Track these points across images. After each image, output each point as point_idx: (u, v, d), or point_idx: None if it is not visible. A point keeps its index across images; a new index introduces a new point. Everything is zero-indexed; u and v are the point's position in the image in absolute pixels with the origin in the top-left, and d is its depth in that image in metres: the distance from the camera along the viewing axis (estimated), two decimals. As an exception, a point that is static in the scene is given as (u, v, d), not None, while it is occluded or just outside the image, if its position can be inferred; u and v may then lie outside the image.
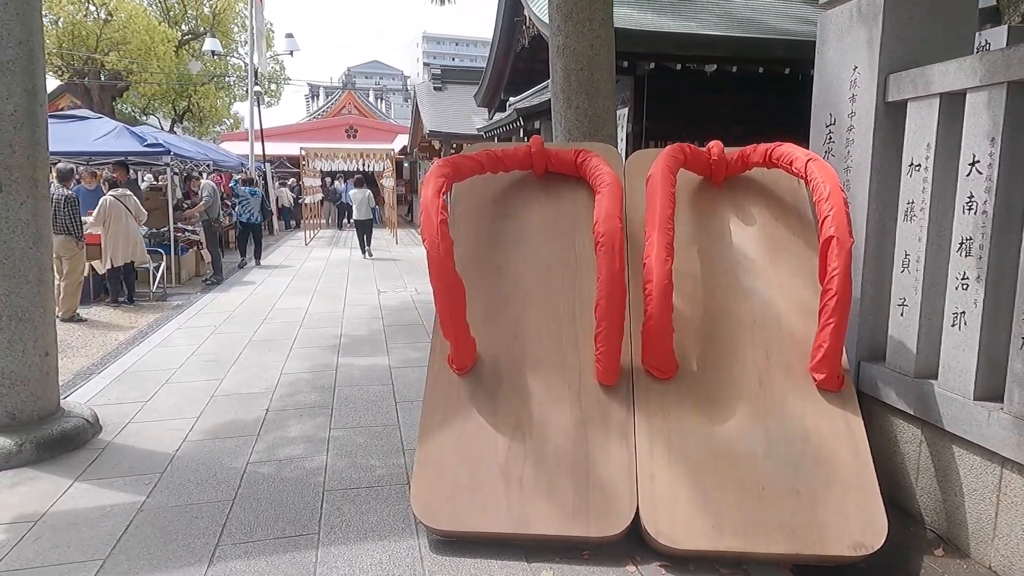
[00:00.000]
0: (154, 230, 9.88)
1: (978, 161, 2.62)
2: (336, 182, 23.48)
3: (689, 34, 7.32)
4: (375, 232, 14.92)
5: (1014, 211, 2.55)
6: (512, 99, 12.14)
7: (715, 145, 3.53)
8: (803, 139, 3.61)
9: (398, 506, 3.12)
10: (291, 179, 24.12)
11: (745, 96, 7.75)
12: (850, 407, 2.92)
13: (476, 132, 15.82)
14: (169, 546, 2.79)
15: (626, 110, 8.03)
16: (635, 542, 2.73)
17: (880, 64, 3.09)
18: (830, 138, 3.46)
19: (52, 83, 21.38)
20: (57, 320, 4.42)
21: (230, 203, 13.76)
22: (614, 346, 2.94)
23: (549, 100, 5.29)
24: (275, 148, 25.11)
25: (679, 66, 7.35)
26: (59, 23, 20.41)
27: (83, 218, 7.62)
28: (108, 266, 8.24)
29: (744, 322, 3.16)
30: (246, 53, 21.95)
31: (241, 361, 5.67)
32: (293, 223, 22.04)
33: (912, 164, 2.98)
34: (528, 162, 3.64)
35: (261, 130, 20.48)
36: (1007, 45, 3.60)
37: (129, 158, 9.78)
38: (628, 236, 3.29)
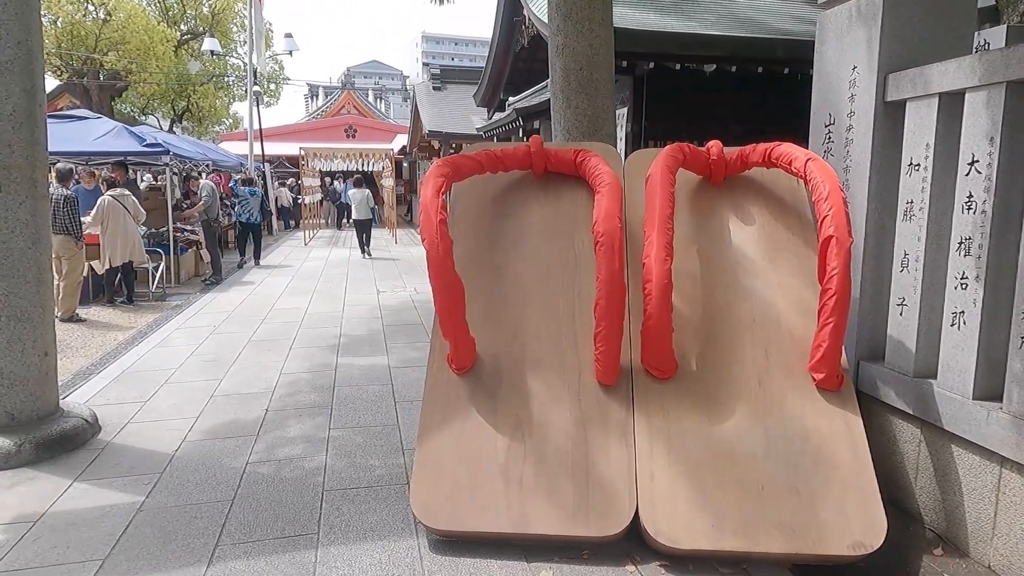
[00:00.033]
0: (153, 230, 9.88)
1: (977, 161, 2.63)
2: (335, 182, 23.48)
3: (688, 34, 7.33)
4: (374, 232, 14.92)
5: (1013, 211, 2.56)
6: (511, 99, 12.14)
7: (714, 145, 3.53)
8: (802, 139, 3.61)
9: (397, 506, 3.12)
10: (290, 179, 24.12)
11: (744, 96, 7.75)
12: (849, 406, 2.93)
13: (475, 132, 15.82)
14: (168, 546, 2.79)
15: (625, 110, 8.03)
16: (635, 542, 2.73)
17: (879, 64, 3.09)
18: (829, 138, 3.46)
19: (51, 83, 21.37)
20: (56, 320, 4.42)
21: (229, 203, 13.76)
22: (613, 346, 2.94)
23: (548, 100, 5.29)
24: (274, 148, 25.11)
25: (678, 66, 7.35)
26: (58, 23, 20.40)
27: (82, 218, 7.61)
28: (106, 266, 8.24)
29: (743, 322, 3.16)
30: (245, 53, 21.96)
31: (240, 361, 5.66)
32: (292, 223, 22.04)
33: (911, 164, 2.98)
34: (527, 162, 3.64)
35: (260, 130, 20.48)
36: (1006, 45, 3.60)
37: (128, 158, 9.78)
38: (627, 236, 3.29)
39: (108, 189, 8.53)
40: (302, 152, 17.96)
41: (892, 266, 3.12)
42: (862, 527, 2.60)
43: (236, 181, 13.69)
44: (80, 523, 2.99)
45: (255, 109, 19.56)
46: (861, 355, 3.29)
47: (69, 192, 7.37)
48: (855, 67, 3.24)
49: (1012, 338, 2.51)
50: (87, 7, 20.86)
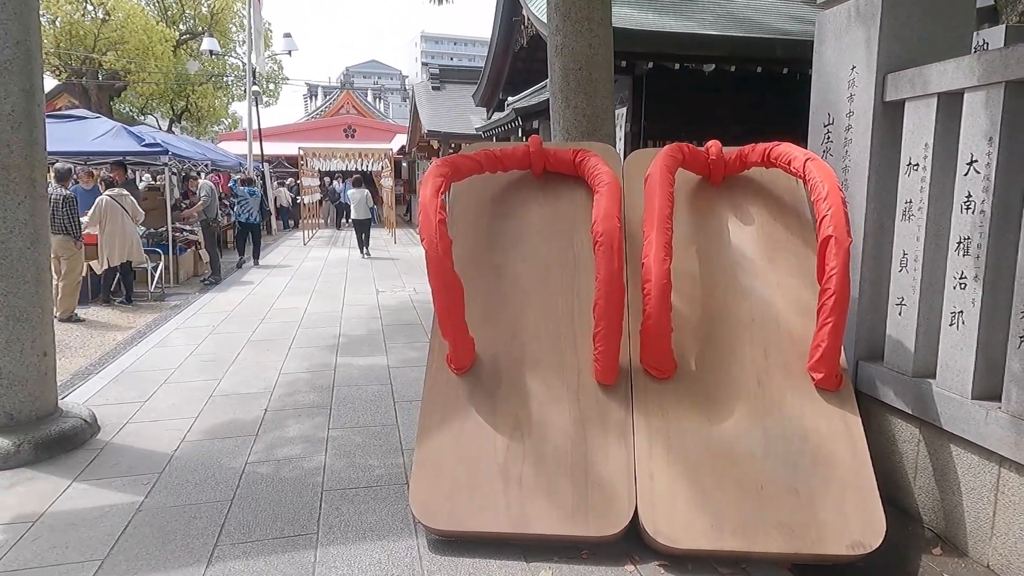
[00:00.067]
0: (152, 230, 9.87)
1: (976, 161, 2.63)
2: (334, 182, 23.47)
3: (687, 34, 7.33)
4: (373, 232, 14.92)
5: (1012, 210, 2.56)
6: (510, 99, 12.14)
7: (713, 145, 3.53)
8: (801, 139, 3.62)
9: (397, 506, 3.12)
10: (289, 179, 24.11)
11: (743, 96, 7.76)
12: (848, 406, 2.93)
13: (474, 132, 15.82)
14: (168, 546, 2.79)
15: (624, 109, 8.03)
16: (634, 541, 2.74)
17: (878, 64, 3.09)
18: (828, 138, 3.47)
19: (50, 83, 21.33)
20: (55, 320, 4.42)
21: (228, 203, 13.75)
22: (613, 346, 2.94)
23: (547, 100, 5.29)
24: (273, 148, 25.09)
25: (677, 66, 7.35)
26: (57, 22, 20.38)
27: (81, 218, 7.60)
28: (105, 266, 8.23)
29: (743, 321, 3.17)
30: (244, 53, 21.93)
31: (239, 361, 5.66)
32: (291, 223, 22.03)
33: (910, 164, 2.98)
34: (527, 162, 3.64)
35: (259, 130, 20.47)
36: (1005, 45, 3.61)
37: (127, 158, 9.77)
38: (627, 236, 3.29)
39: (106, 189, 8.52)
40: (301, 152, 17.96)
41: (891, 266, 3.12)
42: (861, 527, 2.60)
43: (235, 181, 13.67)
44: (79, 523, 2.98)
45: (254, 109, 19.55)
46: (860, 355, 3.30)
47: (68, 192, 7.37)
48: (854, 67, 3.25)
49: (1011, 338, 2.51)
50: (86, 7, 20.84)
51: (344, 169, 18.93)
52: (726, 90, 7.71)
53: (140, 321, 7.55)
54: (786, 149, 3.27)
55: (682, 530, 2.62)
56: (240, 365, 5.53)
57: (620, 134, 7.96)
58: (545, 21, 5.44)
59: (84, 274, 7.91)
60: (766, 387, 2.99)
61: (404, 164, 27.34)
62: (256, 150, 19.30)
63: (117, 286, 8.65)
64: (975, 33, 3.55)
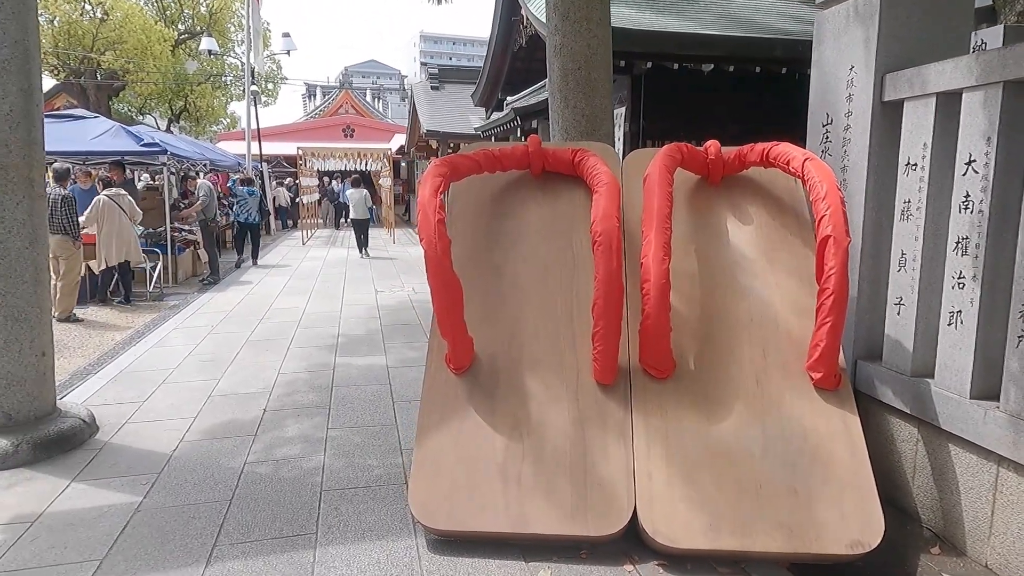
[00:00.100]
0: (151, 230, 9.86)
1: (974, 160, 2.63)
2: (333, 182, 23.47)
3: (686, 33, 7.33)
4: (372, 232, 14.92)
5: (1010, 210, 2.56)
6: (509, 98, 12.14)
7: (712, 144, 3.53)
8: (800, 138, 3.62)
9: (396, 506, 3.12)
10: (288, 179, 24.09)
11: (742, 96, 7.76)
12: (847, 406, 2.93)
13: (473, 131, 15.82)
14: (166, 546, 2.79)
15: (623, 109, 8.03)
16: (633, 541, 2.74)
17: (876, 64, 3.10)
18: (827, 137, 3.47)
19: (48, 82, 21.30)
20: (53, 320, 4.41)
21: (227, 203, 13.74)
22: (612, 345, 2.94)
23: (546, 99, 5.29)
24: (272, 148, 25.08)
25: (676, 65, 7.36)
26: (55, 22, 20.35)
27: (79, 218, 7.60)
28: (102, 266, 8.22)
29: (741, 321, 3.17)
30: (243, 52, 21.90)
31: (238, 361, 5.66)
32: (290, 223, 22.01)
33: (908, 163, 2.98)
34: (525, 161, 3.64)
35: (258, 130, 20.46)
36: (1003, 45, 3.61)
37: (125, 158, 9.76)
38: (625, 235, 3.29)
39: (104, 189, 8.51)
40: (300, 152, 17.95)
41: (889, 266, 3.12)
42: (860, 526, 2.60)
43: (234, 181, 13.65)
44: (78, 523, 2.98)
45: (253, 109, 19.54)
46: (859, 354, 3.30)
47: (66, 192, 7.36)
48: (852, 67, 3.25)
49: (1009, 337, 2.51)
50: (84, 6, 20.82)
51: (343, 169, 18.93)
52: (725, 90, 7.71)
53: (139, 321, 7.54)
54: (785, 149, 3.27)
55: (681, 530, 2.62)
56: (239, 365, 5.53)
57: (619, 134, 7.96)
58: (544, 21, 5.44)
59: (83, 274, 7.91)
60: (765, 387, 2.99)
61: (403, 164, 27.33)
62: (255, 150, 19.29)
63: (116, 286, 8.64)
64: (973, 33, 3.55)
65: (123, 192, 8.51)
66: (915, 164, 2.94)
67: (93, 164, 10.46)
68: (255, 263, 12.40)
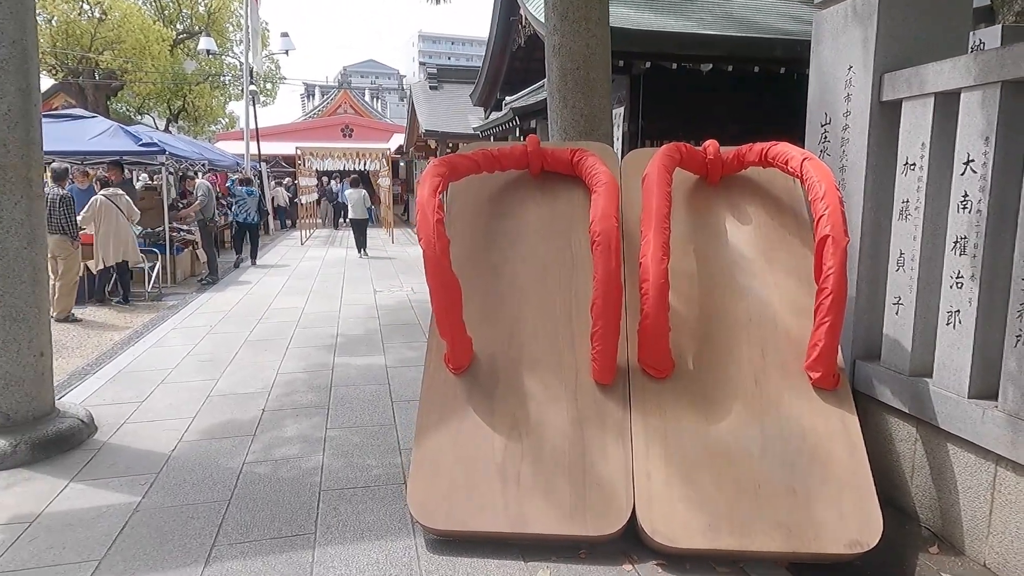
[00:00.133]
0: (149, 230, 9.85)
1: (972, 160, 2.64)
2: (332, 182, 23.45)
3: (685, 33, 7.33)
4: (371, 231, 14.91)
5: (1008, 210, 2.57)
6: (508, 98, 12.13)
7: (711, 144, 3.53)
8: (799, 138, 3.62)
9: (395, 506, 3.12)
10: (287, 179, 24.07)
11: (741, 95, 7.76)
12: (846, 405, 2.93)
13: (472, 131, 15.81)
14: (165, 547, 2.79)
15: (622, 109, 8.03)
16: (632, 541, 2.74)
17: (875, 63, 3.10)
18: (825, 137, 3.47)
19: (46, 82, 21.27)
20: (52, 320, 4.40)
21: (226, 203, 13.73)
22: (610, 345, 2.94)
23: (545, 99, 5.29)
24: (271, 147, 25.04)
25: (675, 65, 7.36)
26: (53, 22, 20.31)
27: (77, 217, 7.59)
28: (100, 266, 8.21)
29: (740, 321, 3.17)
30: (241, 52, 21.87)
31: (237, 361, 5.65)
32: (289, 223, 22.00)
33: (907, 163, 2.99)
34: (524, 161, 3.64)
35: (256, 129, 20.43)
36: (1001, 44, 3.62)
37: (124, 157, 9.75)
38: (624, 235, 3.29)
39: (102, 189, 8.50)
40: (298, 152, 17.94)
41: (888, 265, 3.13)
42: (858, 525, 2.61)
43: (233, 181, 13.64)
44: (76, 524, 2.98)
45: (251, 108, 19.53)
46: (857, 354, 3.30)
47: (65, 192, 7.35)
48: (851, 67, 3.25)
49: (1007, 337, 2.52)
50: (82, 6, 20.77)
51: (342, 169, 18.92)
52: (724, 90, 7.71)
53: (137, 321, 7.54)
54: (783, 149, 3.27)
55: (680, 529, 2.63)
56: (237, 365, 5.53)
57: (617, 134, 7.96)
58: (543, 21, 5.44)
59: (81, 274, 7.90)
60: (763, 386, 2.99)
61: (401, 164, 27.32)
62: (253, 150, 19.28)
63: (115, 286, 8.63)
64: (971, 33, 3.56)
65: (120, 192, 8.49)
66: (913, 164, 2.95)
67: (91, 164, 10.45)
68: (254, 263, 12.40)
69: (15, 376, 3.74)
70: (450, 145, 17.28)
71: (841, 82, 3.32)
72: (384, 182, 18.95)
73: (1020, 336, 2.46)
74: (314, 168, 18.43)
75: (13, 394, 3.74)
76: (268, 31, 26.56)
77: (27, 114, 3.73)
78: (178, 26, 25.33)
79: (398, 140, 25.94)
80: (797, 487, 2.71)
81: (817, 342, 2.89)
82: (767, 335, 3.12)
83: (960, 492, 2.75)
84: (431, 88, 21.25)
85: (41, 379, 3.90)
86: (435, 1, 9.94)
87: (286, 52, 21.22)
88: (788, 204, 3.49)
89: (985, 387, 2.65)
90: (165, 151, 9.93)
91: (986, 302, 2.63)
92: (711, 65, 7.28)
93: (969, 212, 2.66)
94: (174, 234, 10.31)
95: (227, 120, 32.66)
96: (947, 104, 2.79)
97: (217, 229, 12.37)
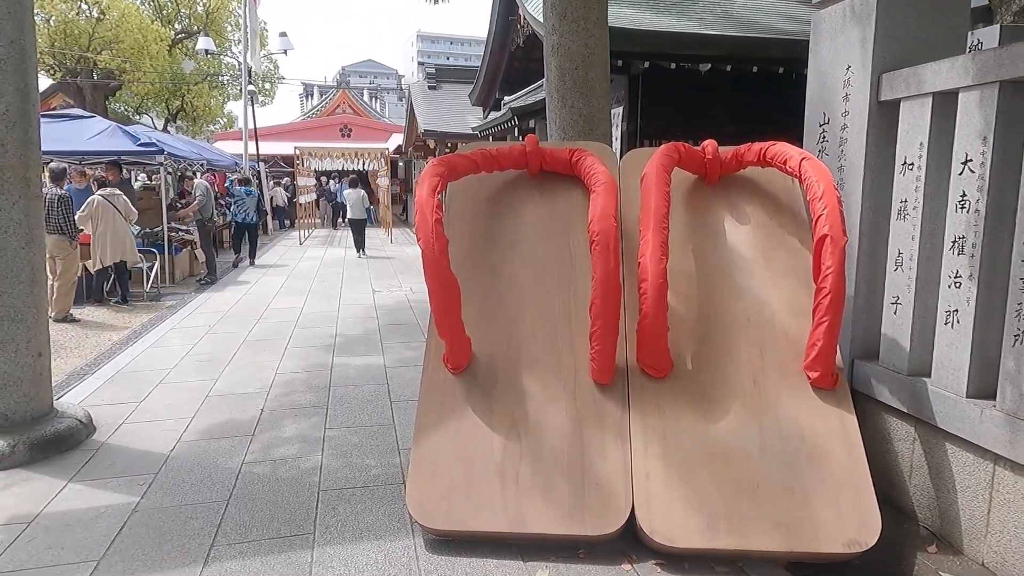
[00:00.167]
0: (147, 230, 9.84)
1: (970, 160, 2.64)
2: (331, 181, 23.44)
3: (684, 33, 7.34)
4: (370, 231, 14.91)
5: (1006, 209, 2.57)
6: (507, 98, 12.13)
7: (709, 144, 3.53)
8: (797, 138, 3.63)
9: (394, 506, 3.12)
10: (285, 178, 24.06)
11: (739, 95, 7.77)
12: (844, 405, 2.94)
13: (471, 131, 15.81)
14: (164, 547, 2.79)
15: (621, 109, 8.03)
16: (631, 540, 2.74)
17: (873, 63, 3.10)
18: (824, 137, 3.48)
19: (44, 82, 21.27)
20: (50, 320, 4.40)
21: (224, 203, 13.72)
22: (609, 345, 2.94)
23: (544, 99, 5.29)
24: (269, 147, 25.00)
25: (673, 65, 7.36)
26: (51, 21, 20.28)
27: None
28: (98, 266, 8.20)
29: (739, 321, 3.17)
30: (240, 52, 21.87)
31: (236, 361, 5.65)
32: (287, 223, 21.99)
33: (905, 163, 2.99)
34: (523, 161, 3.64)
35: (255, 129, 20.41)
36: (999, 44, 3.62)
37: (122, 157, 9.74)
38: (623, 235, 3.29)
39: (99, 188, 8.49)
40: (297, 151, 17.93)
41: (886, 265, 3.13)
42: (857, 525, 2.61)
43: (232, 181, 13.62)
44: (75, 524, 2.98)
45: (249, 108, 19.51)
46: (855, 353, 3.31)
47: (63, 191, 7.34)
48: (849, 67, 3.25)
49: (1005, 336, 2.52)
50: (80, 6, 20.74)
51: (340, 169, 18.91)
52: (722, 90, 7.71)
53: (136, 321, 7.53)
54: (782, 148, 3.27)
55: (679, 529, 2.63)
56: (236, 365, 5.52)
57: (616, 133, 7.96)
58: (541, 20, 5.44)
59: (79, 274, 7.89)
60: (762, 386, 2.99)
61: (400, 163, 27.31)
62: (252, 150, 19.26)
63: (113, 286, 8.62)
64: (969, 33, 3.56)
65: (118, 192, 8.48)
66: (912, 164, 2.95)
67: (90, 164, 10.44)
68: (252, 263, 12.39)
69: (13, 376, 3.74)
70: (449, 145, 17.28)
71: (839, 82, 3.33)
72: (383, 182, 18.95)
73: (1018, 335, 2.46)
74: (312, 168, 18.42)
75: (11, 394, 3.74)
76: (267, 31, 26.54)
77: (25, 114, 3.73)
78: (176, 26, 25.31)
79: (397, 140, 25.93)
80: (796, 487, 2.71)
81: (815, 342, 2.90)
82: (765, 335, 3.13)
83: (958, 491, 2.75)
84: (430, 88, 21.25)
85: (39, 379, 3.89)
86: (434, 1, 9.93)
87: (284, 52, 21.19)
88: (786, 204, 3.49)
89: (983, 386, 2.66)
90: (163, 151, 9.92)
91: (984, 302, 2.63)
92: (710, 65, 7.28)
93: (967, 212, 2.66)
94: (172, 234, 10.30)
95: (225, 120, 32.65)
96: (945, 104, 2.80)
97: (216, 229, 12.36)
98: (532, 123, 10.62)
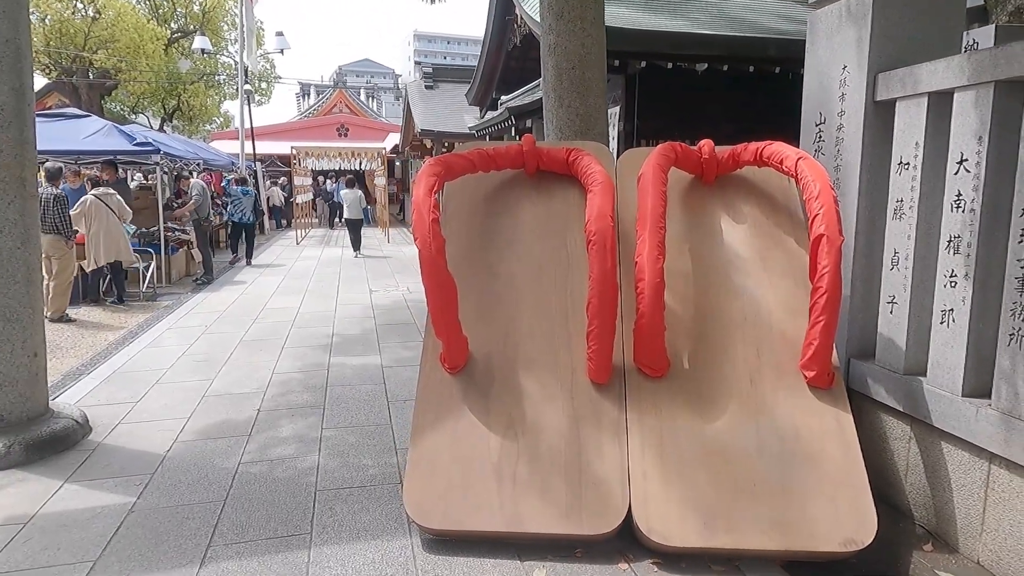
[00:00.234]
0: (144, 229, 9.81)
1: (966, 159, 2.65)
2: (328, 181, 23.42)
3: (680, 33, 7.34)
4: (367, 231, 14.89)
5: (1001, 209, 2.58)
6: (504, 97, 12.13)
7: (706, 144, 3.54)
8: (793, 138, 3.63)
9: (391, 505, 3.12)
10: (282, 178, 24.02)
11: (736, 95, 7.78)
12: (840, 404, 2.94)
13: (468, 131, 15.81)
14: (160, 547, 2.78)
15: (617, 109, 8.04)
16: (628, 540, 2.74)
17: (869, 63, 3.11)
18: (820, 137, 3.48)
19: (40, 81, 21.18)
20: (46, 320, 4.39)
21: (221, 202, 13.69)
22: (606, 344, 2.95)
23: (541, 99, 5.30)
24: (266, 147, 24.98)
25: (670, 65, 7.36)
26: (46, 20, 20.21)
27: (71, 218, 7.56)
28: (92, 266, 8.18)
29: (735, 320, 3.18)
30: (236, 51, 21.84)
31: (232, 361, 5.64)
32: (284, 222, 21.95)
33: (901, 163, 3.00)
34: (520, 161, 3.64)
35: (252, 129, 20.38)
36: (994, 44, 3.63)
37: (118, 157, 9.71)
38: (620, 235, 3.29)
39: (93, 188, 8.46)
40: (294, 151, 17.90)
41: (882, 264, 3.14)
42: (853, 524, 2.62)
43: (229, 181, 13.59)
44: (71, 524, 2.97)
45: (246, 108, 19.48)
46: (852, 353, 3.32)
47: (58, 191, 7.32)
48: (845, 66, 3.26)
49: (1000, 335, 2.53)
50: (76, 5, 20.68)
51: (337, 168, 18.89)
52: (719, 89, 7.72)
53: (132, 321, 7.51)
54: (778, 148, 3.28)
55: (675, 528, 2.63)
56: (233, 365, 5.51)
57: (613, 133, 7.97)
58: (538, 20, 5.44)
59: (75, 274, 7.86)
60: (759, 386, 3.00)
61: (397, 163, 27.29)
62: (248, 149, 19.23)
63: (109, 286, 8.60)
64: (965, 33, 3.57)
65: (112, 191, 8.45)
66: (907, 163, 2.96)
67: (85, 163, 10.41)
68: (249, 263, 12.36)
69: (9, 376, 3.73)
70: (446, 144, 17.26)
71: (836, 82, 3.33)
72: (380, 181, 18.92)
73: (1013, 335, 2.47)
74: (309, 167, 18.39)
75: (7, 395, 3.73)
76: (263, 30, 26.51)
77: (20, 113, 3.72)
78: (172, 25, 25.25)
79: (394, 139, 25.91)
80: (792, 486, 2.72)
81: (812, 341, 2.90)
82: (762, 334, 3.13)
83: (954, 490, 2.76)
84: (427, 87, 21.24)
85: (35, 379, 3.88)
86: (430, 0, 9.92)
87: (281, 51, 21.16)
88: (783, 203, 3.50)
89: (979, 385, 2.66)
90: (160, 150, 9.90)
91: (980, 301, 2.64)
92: (706, 65, 7.29)
93: (963, 211, 2.67)
94: (169, 234, 10.28)
95: (222, 119, 32.56)
96: (941, 104, 2.80)
97: (212, 229, 12.34)
98: (529, 123, 10.62)
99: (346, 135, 31.97)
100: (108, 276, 8.53)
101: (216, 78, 27.55)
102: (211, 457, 3.68)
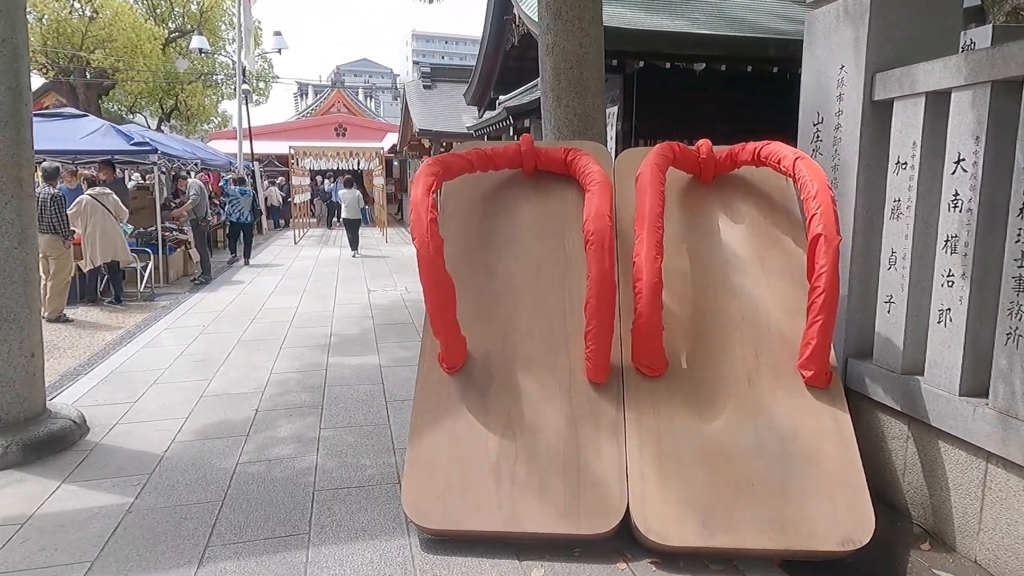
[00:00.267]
0: (141, 229, 9.80)
1: (963, 159, 2.65)
2: (326, 181, 23.40)
3: (678, 33, 7.35)
4: (365, 231, 14.88)
5: (998, 209, 2.58)
6: (502, 97, 12.13)
7: (704, 143, 3.54)
8: (791, 137, 3.63)
9: (389, 505, 3.12)
10: (280, 178, 24.00)
11: (734, 95, 7.78)
12: (838, 403, 2.95)
13: (466, 131, 15.79)
14: (158, 547, 2.78)
15: (615, 108, 8.04)
16: (626, 539, 2.74)
17: (866, 63, 3.11)
18: (817, 136, 3.49)
19: (37, 81, 21.14)
20: (43, 321, 4.38)
21: (219, 202, 13.67)
22: (604, 344, 2.95)
23: (539, 98, 5.29)
24: (264, 147, 24.96)
25: (668, 65, 7.37)
26: (44, 20, 20.18)
27: (68, 217, 7.53)
28: (89, 266, 8.16)
29: (733, 320, 3.18)
30: (234, 51, 21.81)
31: (230, 361, 5.64)
32: (282, 222, 21.93)
33: (898, 162, 3.00)
34: (518, 161, 3.64)
35: (249, 129, 20.36)
36: (991, 44, 3.64)
37: (116, 157, 9.70)
38: (618, 234, 3.30)
39: (88, 188, 8.44)
40: (292, 151, 17.89)
41: (880, 264, 3.14)
42: (851, 523, 2.62)
43: (227, 181, 13.57)
44: (68, 525, 2.96)
45: (244, 108, 19.45)
46: (849, 352, 3.32)
47: (56, 191, 7.31)
48: (843, 66, 3.26)
49: (998, 334, 2.53)
50: (73, 4, 20.65)
51: (335, 168, 18.88)
52: (716, 89, 7.73)
53: (129, 321, 7.50)
54: (776, 148, 3.28)
55: (673, 528, 2.63)
56: (231, 365, 5.51)
57: (611, 133, 7.97)
58: (536, 20, 5.44)
59: (73, 274, 7.85)
60: (756, 385, 3.00)
61: (395, 163, 27.26)
62: (246, 149, 19.21)
63: (107, 286, 8.58)
64: (962, 33, 3.58)
65: (108, 191, 8.43)
66: (905, 163, 2.96)
67: (83, 163, 10.40)
68: (247, 263, 12.35)
69: (6, 377, 3.72)
70: (444, 144, 17.25)
71: (833, 81, 3.34)
72: (378, 181, 18.92)
73: (1010, 334, 2.48)
74: (307, 167, 18.38)
75: (4, 395, 3.72)
76: (261, 30, 26.49)
77: (17, 113, 3.71)
78: (170, 24, 25.20)
79: (392, 139, 25.89)
80: (790, 485, 2.72)
81: (810, 340, 2.91)
82: (760, 334, 3.13)
83: (951, 489, 2.77)
84: (425, 87, 21.23)
85: (32, 380, 3.87)
86: (428, 0, 9.92)
87: (279, 51, 21.17)
88: (781, 203, 3.51)
89: (976, 385, 2.67)
90: (157, 150, 9.89)
91: (977, 300, 2.64)
92: (704, 64, 7.29)
93: (960, 211, 2.67)
94: (166, 234, 10.26)
95: (220, 119, 32.53)
96: (938, 104, 2.81)
97: (210, 228, 12.32)
98: (527, 122, 10.61)
99: (344, 135, 31.95)
100: (106, 276, 8.52)
101: (214, 78, 27.52)
102: (209, 457, 3.68)
